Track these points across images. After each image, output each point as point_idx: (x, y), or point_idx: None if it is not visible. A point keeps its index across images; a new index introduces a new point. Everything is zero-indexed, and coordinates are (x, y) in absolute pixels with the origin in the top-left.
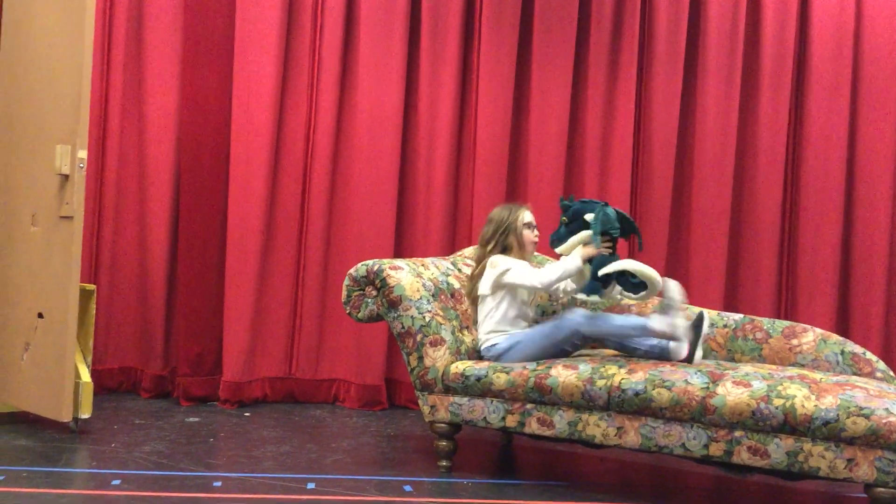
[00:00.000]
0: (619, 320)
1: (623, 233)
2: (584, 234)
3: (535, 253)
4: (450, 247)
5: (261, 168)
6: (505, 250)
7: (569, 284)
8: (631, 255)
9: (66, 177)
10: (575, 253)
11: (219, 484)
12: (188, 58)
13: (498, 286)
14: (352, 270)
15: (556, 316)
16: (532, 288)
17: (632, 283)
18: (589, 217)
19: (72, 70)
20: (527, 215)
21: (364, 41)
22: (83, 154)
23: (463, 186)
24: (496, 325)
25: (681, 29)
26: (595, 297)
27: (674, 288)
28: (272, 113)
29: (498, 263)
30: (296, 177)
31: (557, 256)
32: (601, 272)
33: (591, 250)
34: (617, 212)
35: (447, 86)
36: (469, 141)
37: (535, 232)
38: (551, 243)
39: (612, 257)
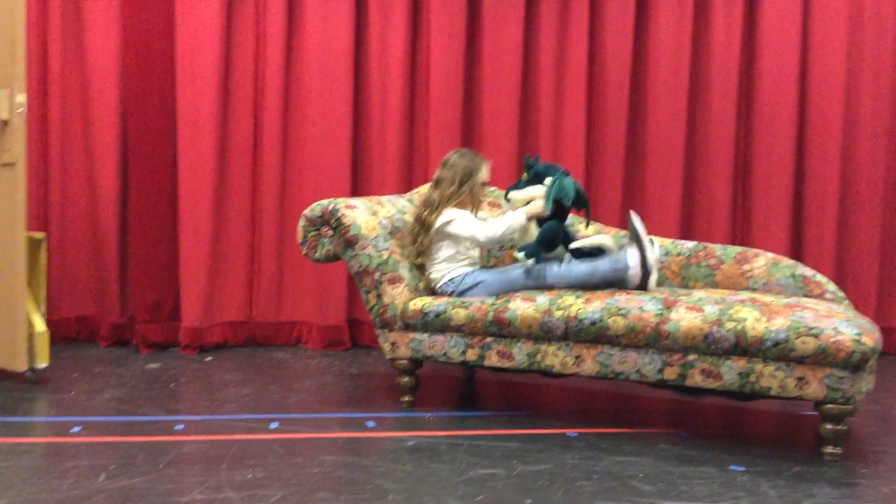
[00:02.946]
0: (601, 268)
1: (574, 204)
2: (539, 189)
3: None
4: (406, 184)
5: (209, 109)
6: (455, 200)
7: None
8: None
9: (5, 122)
10: (521, 210)
11: (181, 427)
12: None
13: (442, 235)
14: (306, 211)
15: (527, 265)
16: (475, 241)
17: (583, 251)
18: (548, 182)
19: (4, 11)
20: (486, 172)
21: None
22: (21, 98)
23: (418, 124)
24: (448, 265)
25: None
26: (531, 262)
27: (637, 220)
28: (218, 50)
29: (447, 214)
30: (246, 117)
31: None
32: (573, 246)
33: (537, 209)
34: (574, 183)
35: (398, 22)
36: (422, 77)
37: (486, 190)
38: (505, 196)
39: (558, 224)
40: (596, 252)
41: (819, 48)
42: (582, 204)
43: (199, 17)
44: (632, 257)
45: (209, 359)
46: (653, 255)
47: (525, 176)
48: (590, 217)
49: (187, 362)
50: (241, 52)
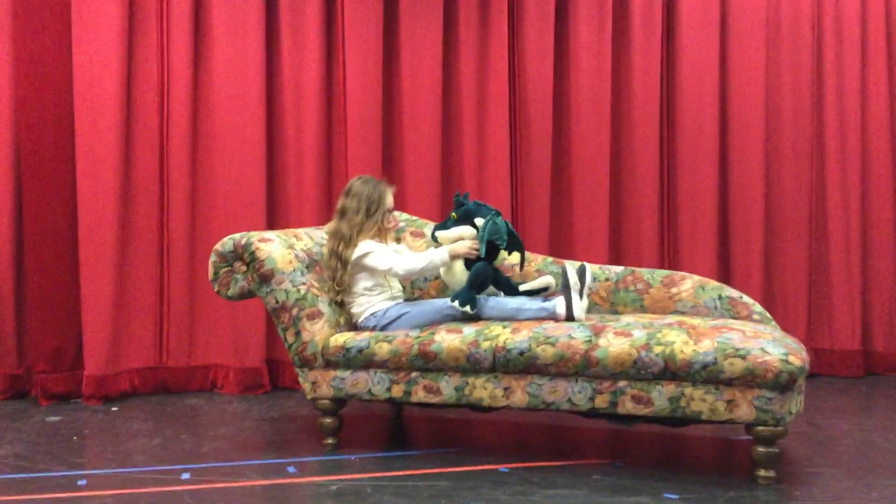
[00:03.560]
0: (529, 309)
1: (507, 246)
2: (467, 230)
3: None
4: (325, 216)
5: (111, 141)
6: (368, 231)
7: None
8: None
9: None
10: (445, 248)
11: (83, 482)
12: (20, 20)
13: (359, 267)
14: (217, 245)
15: (467, 313)
16: (394, 274)
17: (522, 290)
18: (479, 222)
19: None
20: (390, 199)
21: (217, 0)
22: None
23: (336, 152)
24: (369, 298)
25: None
26: (468, 309)
27: (572, 272)
28: (119, 79)
29: (363, 247)
30: (151, 149)
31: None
32: (522, 288)
33: (462, 250)
34: (507, 224)
35: (311, 47)
36: (339, 104)
37: (393, 214)
38: (432, 234)
39: (488, 265)
40: (542, 290)
41: (737, 70)
42: (515, 246)
43: (97, 45)
44: (560, 306)
45: (116, 409)
46: (579, 307)
47: (454, 214)
48: (524, 261)
49: (92, 413)
50: (144, 81)
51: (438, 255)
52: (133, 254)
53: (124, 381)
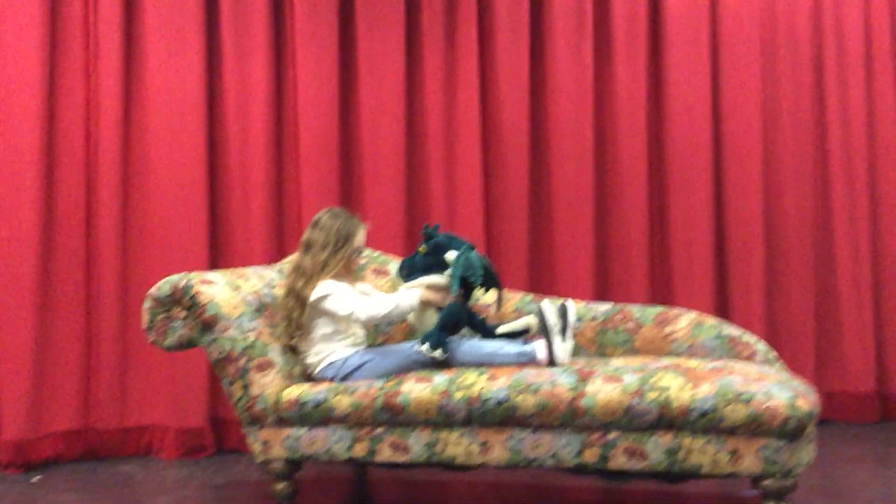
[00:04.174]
0: (506, 353)
1: (483, 284)
2: (435, 279)
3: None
4: (276, 252)
5: (29, 174)
6: (332, 270)
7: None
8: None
9: None
10: (416, 291)
11: None
12: None
13: (318, 311)
14: (153, 289)
15: (436, 358)
16: (356, 320)
17: (500, 332)
18: (450, 256)
19: None
20: (361, 236)
21: (150, 11)
22: None
23: (287, 181)
24: (327, 345)
25: None
26: (438, 353)
27: (549, 311)
28: (39, 105)
29: (323, 288)
30: (77, 183)
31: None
32: (500, 331)
33: (434, 296)
34: (482, 258)
35: (257, 66)
36: (290, 128)
37: (364, 253)
38: (399, 270)
39: (461, 305)
40: (522, 332)
41: (731, 88)
42: (491, 283)
43: (13, 68)
44: (540, 350)
45: (37, 478)
46: (562, 350)
47: (423, 248)
48: (501, 299)
49: (10, 485)
50: (69, 106)
51: (407, 300)
52: (56, 302)
53: (47, 446)
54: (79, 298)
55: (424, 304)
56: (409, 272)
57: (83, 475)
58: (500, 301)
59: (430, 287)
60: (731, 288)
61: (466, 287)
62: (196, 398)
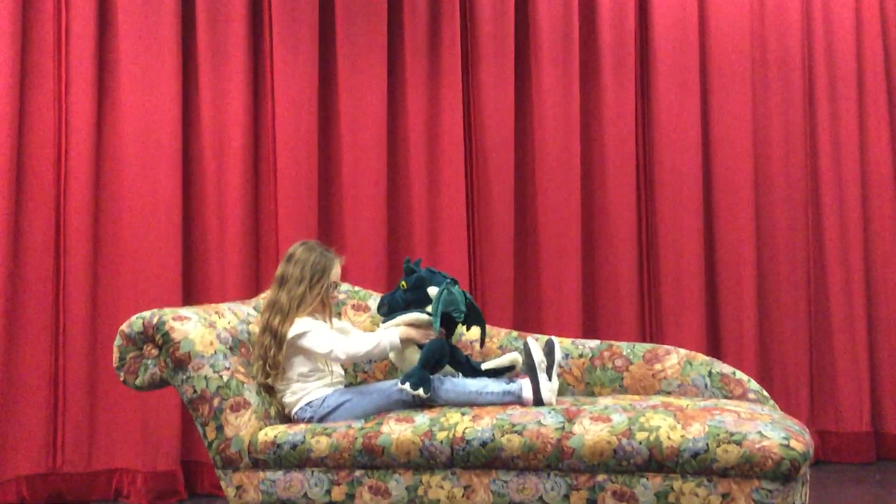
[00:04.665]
0: (490, 392)
1: (466, 319)
2: (416, 316)
3: None
4: (252, 288)
5: None
6: (308, 306)
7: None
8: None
9: None
10: (396, 331)
11: None
12: None
13: (295, 349)
14: (124, 326)
15: (419, 397)
16: (334, 359)
17: (484, 370)
18: (432, 292)
19: None
20: (337, 270)
21: (124, 34)
22: None
23: (264, 212)
24: (304, 385)
25: (508, 17)
26: (420, 392)
27: (535, 348)
28: (6, 132)
29: (299, 325)
30: (45, 212)
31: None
32: (485, 367)
33: (415, 333)
34: (465, 294)
35: (235, 92)
36: (267, 156)
37: (343, 288)
38: (379, 307)
39: (444, 342)
40: (508, 370)
41: (721, 117)
42: (474, 319)
43: None
44: (526, 389)
45: None
46: (548, 389)
47: (404, 283)
48: (485, 336)
49: None
50: (38, 133)
51: (387, 338)
52: (20, 339)
53: (10, 491)
54: (45, 336)
55: (405, 342)
56: (389, 308)
57: None
58: (483, 337)
59: (412, 324)
60: (723, 324)
61: (449, 323)
62: (167, 440)
